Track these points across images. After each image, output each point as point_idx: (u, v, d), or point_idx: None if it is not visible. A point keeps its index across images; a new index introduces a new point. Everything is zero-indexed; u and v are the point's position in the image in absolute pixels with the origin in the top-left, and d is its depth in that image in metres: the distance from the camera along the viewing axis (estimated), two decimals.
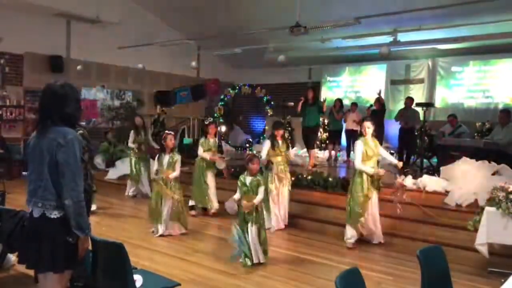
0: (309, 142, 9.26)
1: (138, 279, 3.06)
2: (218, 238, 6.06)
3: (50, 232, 2.58)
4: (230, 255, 4.96)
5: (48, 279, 2.64)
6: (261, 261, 4.88)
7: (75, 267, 2.76)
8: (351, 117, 10.53)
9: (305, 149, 12.37)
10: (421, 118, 9.03)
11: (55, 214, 2.59)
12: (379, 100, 10.29)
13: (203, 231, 6.45)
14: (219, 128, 14.11)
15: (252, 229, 4.85)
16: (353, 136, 10.59)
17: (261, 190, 4.92)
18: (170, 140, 6.08)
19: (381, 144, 10.41)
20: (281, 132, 6.58)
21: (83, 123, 10.76)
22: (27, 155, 2.77)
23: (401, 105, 10.97)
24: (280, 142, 6.52)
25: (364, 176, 5.55)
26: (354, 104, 10.97)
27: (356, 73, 13.77)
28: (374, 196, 5.63)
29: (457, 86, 11.79)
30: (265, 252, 4.96)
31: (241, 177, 5.01)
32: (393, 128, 10.42)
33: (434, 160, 8.98)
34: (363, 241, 5.78)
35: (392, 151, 11.01)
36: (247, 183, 4.91)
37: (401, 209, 5.72)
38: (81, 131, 3.71)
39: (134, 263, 3.15)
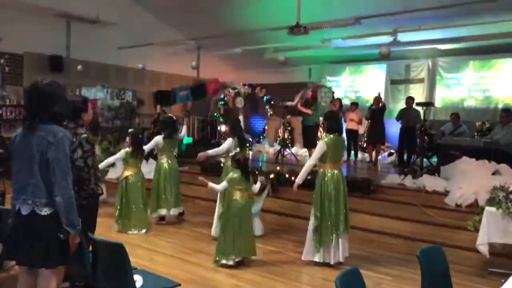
0: (309, 141, 9.26)
1: (138, 279, 3.06)
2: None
3: (42, 228, 2.61)
4: None
5: (42, 275, 2.65)
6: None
7: (68, 263, 2.77)
8: (351, 117, 10.53)
9: (305, 149, 12.41)
10: (421, 117, 9.04)
11: (45, 211, 2.61)
12: (378, 100, 10.32)
13: (203, 231, 6.45)
14: (219, 128, 14.15)
15: None
16: (353, 135, 10.63)
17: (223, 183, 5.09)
18: None
19: (382, 143, 10.53)
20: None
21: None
22: (13, 153, 2.77)
23: (401, 105, 10.97)
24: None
25: None
26: (354, 104, 10.97)
27: (356, 73, 13.76)
28: None
29: (457, 86, 11.79)
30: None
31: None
32: (393, 127, 10.42)
33: (434, 159, 8.98)
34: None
35: (392, 151, 11.04)
36: None
37: None
38: (85, 135, 3.64)
39: (134, 263, 3.14)
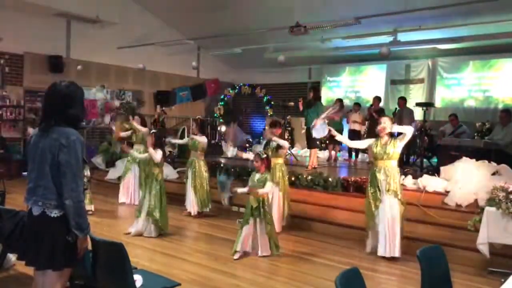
0: (311, 142, 9.26)
1: (138, 279, 3.06)
2: (218, 238, 6.05)
3: (50, 230, 2.60)
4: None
5: (47, 276, 2.66)
6: (275, 253, 5.17)
7: (74, 266, 2.77)
8: (353, 117, 10.52)
9: (305, 149, 12.41)
10: (421, 118, 9.03)
11: (55, 213, 2.61)
12: (378, 100, 10.33)
13: (203, 231, 6.45)
14: (219, 128, 14.17)
15: (258, 224, 5.14)
16: (355, 136, 10.61)
17: (268, 184, 5.15)
18: None
19: None
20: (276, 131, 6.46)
21: (83, 123, 10.77)
22: (27, 153, 2.78)
23: None
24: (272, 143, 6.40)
25: (372, 172, 5.42)
26: (357, 104, 10.97)
27: (356, 73, 13.77)
28: (387, 199, 5.21)
29: (457, 86, 11.79)
30: (275, 245, 5.19)
31: (252, 174, 5.36)
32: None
33: (434, 160, 8.98)
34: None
35: None
36: (255, 179, 5.21)
37: None
38: None
39: (134, 263, 3.15)
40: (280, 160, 6.43)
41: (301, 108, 9.07)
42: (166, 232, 6.02)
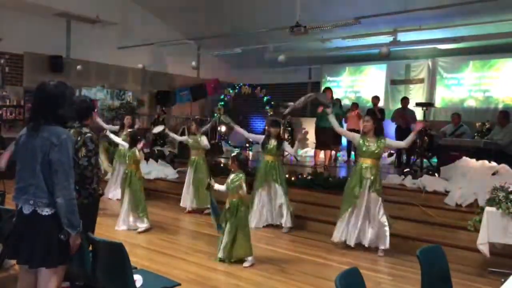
0: (323, 143, 9.27)
1: (138, 279, 3.06)
2: (218, 238, 6.04)
3: (43, 228, 2.62)
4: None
5: (41, 274, 2.66)
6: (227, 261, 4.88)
7: (68, 263, 2.78)
8: (352, 117, 10.51)
9: (306, 149, 12.40)
10: (421, 118, 9.05)
11: (46, 211, 2.62)
12: (377, 99, 10.34)
13: (202, 231, 6.45)
14: (218, 128, 14.16)
15: (226, 228, 4.90)
16: None
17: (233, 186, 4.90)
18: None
19: None
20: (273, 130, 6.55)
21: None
22: (17, 152, 2.78)
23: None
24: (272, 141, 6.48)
25: (358, 168, 5.51)
26: (355, 104, 10.97)
27: (356, 73, 13.77)
28: (368, 196, 5.37)
29: (457, 86, 11.79)
30: (232, 256, 4.85)
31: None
32: (392, 128, 10.40)
33: (434, 160, 8.98)
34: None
35: (392, 151, 11.03)
36: (229, 180, 4.99)
37: None
38: (89, 135, 3.70)
39: (134, 263, 3.14)
40: (273, 158, 6.52)
41: (320, 109, 9.04)
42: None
